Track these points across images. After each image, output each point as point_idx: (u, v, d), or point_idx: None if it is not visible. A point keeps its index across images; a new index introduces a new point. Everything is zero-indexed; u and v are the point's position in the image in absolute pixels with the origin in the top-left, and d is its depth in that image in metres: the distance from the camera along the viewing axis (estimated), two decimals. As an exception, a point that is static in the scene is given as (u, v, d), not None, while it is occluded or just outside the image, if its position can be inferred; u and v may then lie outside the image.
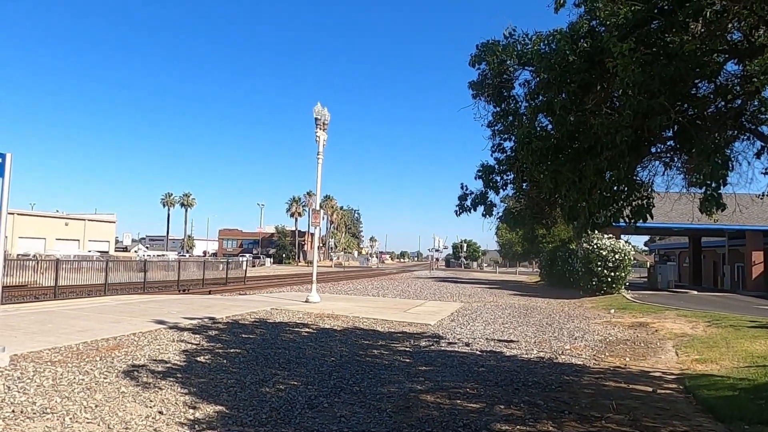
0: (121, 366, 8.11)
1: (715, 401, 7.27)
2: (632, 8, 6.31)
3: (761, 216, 29.94)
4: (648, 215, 7.00)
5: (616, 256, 28.60)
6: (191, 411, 6.16)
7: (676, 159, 7.91)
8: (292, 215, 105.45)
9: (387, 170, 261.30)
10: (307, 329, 13.22)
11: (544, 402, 7.22)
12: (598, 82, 7.06)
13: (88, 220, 63.93)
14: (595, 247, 28.91)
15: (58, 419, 5.62)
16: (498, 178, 8.51)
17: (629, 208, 7.20)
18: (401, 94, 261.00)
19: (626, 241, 30.16)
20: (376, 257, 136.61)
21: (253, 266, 68.66)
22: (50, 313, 13.76)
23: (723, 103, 7.13)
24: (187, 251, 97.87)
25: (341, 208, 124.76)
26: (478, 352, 11.16)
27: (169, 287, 29.09)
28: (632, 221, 7.09)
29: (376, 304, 20.93)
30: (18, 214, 53.10)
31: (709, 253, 46.88)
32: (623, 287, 29.35)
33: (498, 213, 9.25)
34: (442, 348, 11.54)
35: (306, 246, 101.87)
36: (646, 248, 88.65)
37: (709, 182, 5.79)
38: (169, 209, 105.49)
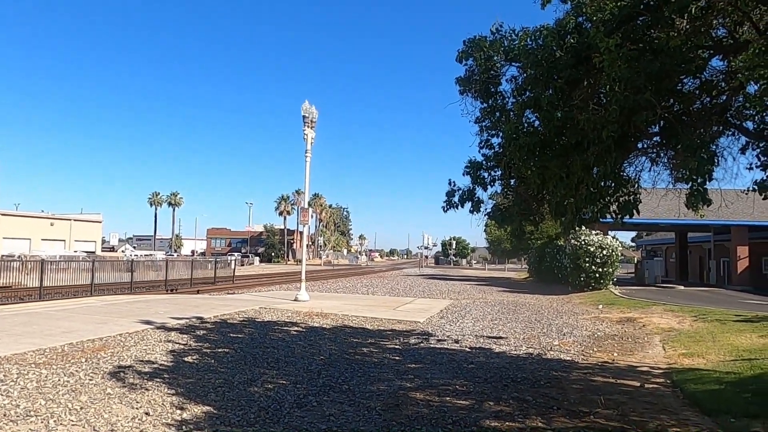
0: (107, 367, 8.00)
1: (702, 395, 7.33)
2: (618, 4, 6.34)
3: (746, 211, 30.22)
4: (635, 211, 7.05)
5: (604, 252, 28.78)
6: (178, 412, 6.09)
7: (662, 154, 7.97)
8: (280, 214, 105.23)
9: (376, 168, 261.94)
10: (296, 328, 13.15)
11: (533, 398, 7.24)
12: (585, 78, 7.09)
13: (74, 220, 63.09)
14: (582, 243, 29.07)
15: (42, 422, 5.53)
16: (486, 174, 8.55)
17: (616, 203, 7.25)
18: (389, 91, 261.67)
19: (614, 237, 30.30)
20: (366, 255, 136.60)
21: (242, 265, 68.46)
22: (35, 314, 13.56)
23: (708, 98, 7.19)
24: (175, 251, 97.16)
25: (330, 206, 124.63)
26: (467, 349, 11.17)
27: (157, 287, 28.83)
28: (619, 217, 7.13)
29: (365, 302, 20.88)
30: (2, 215, 52.51)
31: (695, 248, 47.41)
32: (611, 283, 29.55)
33: (486, 209, 9.28)
34: (432, 345, 11.54)
35: (295, 244, 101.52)
36: (634, 244, 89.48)
37: (695, 177, 5.86)
38: (156, 209, 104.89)
